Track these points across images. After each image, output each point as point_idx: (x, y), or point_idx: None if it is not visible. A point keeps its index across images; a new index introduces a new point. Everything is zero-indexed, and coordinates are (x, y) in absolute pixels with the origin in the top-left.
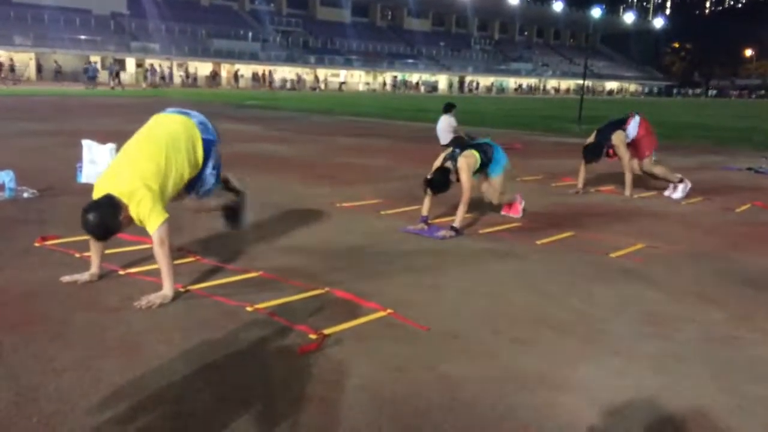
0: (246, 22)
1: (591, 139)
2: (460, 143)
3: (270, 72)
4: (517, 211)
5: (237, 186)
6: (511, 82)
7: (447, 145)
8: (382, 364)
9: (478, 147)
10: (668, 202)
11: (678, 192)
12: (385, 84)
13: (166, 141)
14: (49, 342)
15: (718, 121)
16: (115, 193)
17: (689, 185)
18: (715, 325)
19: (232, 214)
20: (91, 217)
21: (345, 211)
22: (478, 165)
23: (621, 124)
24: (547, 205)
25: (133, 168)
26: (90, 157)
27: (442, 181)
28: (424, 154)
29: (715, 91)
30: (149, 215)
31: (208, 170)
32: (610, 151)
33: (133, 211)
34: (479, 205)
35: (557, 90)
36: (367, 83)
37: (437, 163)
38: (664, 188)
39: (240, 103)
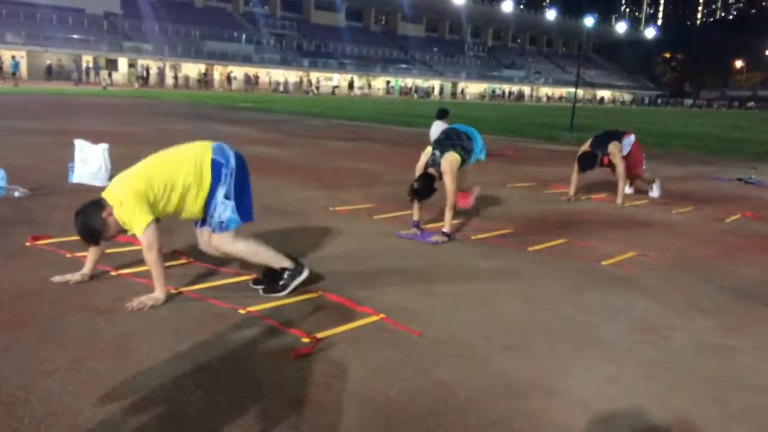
0: (240, 24)
1: (586, 147)
2: (440, 146)
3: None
4: (468, 201)
5: (298, 259)
6: (504, 88)
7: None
8: (375, 369)
9: (458, 144)
10: (659, 210)
11: (655, 191)
12: (370, 86)
13: (169, 156)
14: (40, 343)
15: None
16: (106, 196)
17: (659, 182)
18: (705, 334)
19: (271, 277)
20: (77, 219)
21: (338, 215)
22: (459, 164)
23: (618, 136)
24: (539, 212)
25: (126, 175)
26: (82, 157)
27: (427, 189)
28: (417, 159)
29: (691, 101)
30: (132, 216)
31: (219, 198)
32: (605, 159)
33: (118, 214)
34: (472, 211)
35: (549, 97)
36: (360, 87)
37: (420, 164)
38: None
39: (233, 105)
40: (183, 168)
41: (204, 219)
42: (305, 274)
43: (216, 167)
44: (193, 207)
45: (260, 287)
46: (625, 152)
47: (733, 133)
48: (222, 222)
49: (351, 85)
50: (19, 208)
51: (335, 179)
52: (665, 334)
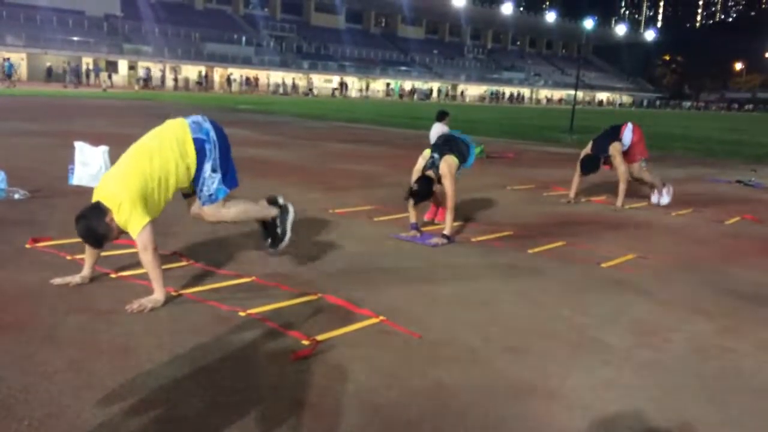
0: (240, 26)
1: (587, 150)
2: (438, 149)
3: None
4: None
5: (279, 201)
6: (499, 90)
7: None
8: (375, 371)
9: (456, 150)
10: (658, 213)
11: (665, 197)
12: (367, 88)
13: (153, 144)
14: (40, 344)
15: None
16: (102, 199)
17: (671, 189)
18: (704, 336)
19: (268, 229)
20: (79, 224)
21: (338, 217)
22: (457, 168)
23: (616, 134)
24: (538, 214)
25: (119, 173)
26: (82, 159)
27: (426, 191)
28: (416, 161)
29: (689, 103)
30: (129, 219)
31: (207, 172)
32: (607, 161)
33: (116, 217)
34: (472, 213)
35: (549, 100)
36: (360, 90)
37: (417, 168)
38: (650, 196)
39: (234, 107)
40: (170, 155)
41: (193, 191)
42: (291, 211)
43: (199, 145)
44: (186, 183)
45: (268, 247)
46: (627, 145)
47: (732, 135)
48: (211, 195)
49: (341, 87)
50: (19, 210)
51: (335, 181)
52: (665, 337)
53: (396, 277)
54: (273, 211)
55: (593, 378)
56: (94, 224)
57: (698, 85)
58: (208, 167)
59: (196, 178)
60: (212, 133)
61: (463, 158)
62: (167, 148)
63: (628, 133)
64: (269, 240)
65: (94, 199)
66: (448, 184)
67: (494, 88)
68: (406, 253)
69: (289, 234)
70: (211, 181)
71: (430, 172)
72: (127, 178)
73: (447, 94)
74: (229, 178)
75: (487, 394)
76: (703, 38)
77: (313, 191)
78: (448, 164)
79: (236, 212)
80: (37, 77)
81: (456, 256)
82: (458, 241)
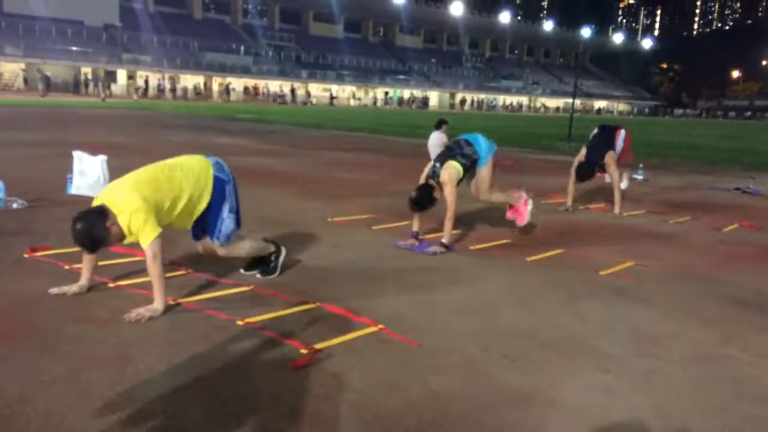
0: (239, 35)
1: (581, 157)
2: (440, 158)
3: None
4: (522, 216)
5: (275, 241)
6: (501, 100)
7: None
8: (374, 380)
9: (458, 152)
10: (657, 220)
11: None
12: (354, 96)
13: (173, 165)
14: (38, 354)
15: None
16: (108, 203)
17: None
18: (703, 344)
19: (259, 262)
20: (78, 226)
21: (337, 225)
22: (461, 173)
23: (610, 143)
24: (537, 222)
25: (132, 182)
26: (80, 168)
27: (425, 198)
28: (415, 169)
29: (680, 111)
30: (143, 228)
31: (225, 213)
32: (600, 169)
33: (124, 224)
34: (470, 221)
35: (546, 108)
36: (359, 98)
37: (423, 175)
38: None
39: (232, 117)
40: (190, 182)
41: (203, 231)
42: (284, 251)
43: (219, 184)
44: (187, 220)
45: (255, 272)
46: (618, 151)
47: (730, 142)
48: (228, 235)
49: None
50: (17, 220)
51: (334, 190)
52: (663, 344)
53: (395, 285)
54: (271, 248)
55: (592, 386)
56: (93, 228)
57: (696, 92)
58: (226, 208)
59: (214, 218)
60: (231, 175)
61: (467, 158)
62: (188, 176)
63: (620, 142)
64: (259, 269)
65: (100, 202)
66: (448, 192)
67: (491, 96)
68: (404, 262)
69: (279, 270)
70: (229, 221)
71: (431, 181)
72: (141, 187)
73: (452, 105)
74: (239, 218)
75: (486, 402)
76: (700, 46)
77: (311, 200)
78: (448, 172)
79: (248, 248)
80: (35, 87)
81: (455, 264)
82: (457, 249)
